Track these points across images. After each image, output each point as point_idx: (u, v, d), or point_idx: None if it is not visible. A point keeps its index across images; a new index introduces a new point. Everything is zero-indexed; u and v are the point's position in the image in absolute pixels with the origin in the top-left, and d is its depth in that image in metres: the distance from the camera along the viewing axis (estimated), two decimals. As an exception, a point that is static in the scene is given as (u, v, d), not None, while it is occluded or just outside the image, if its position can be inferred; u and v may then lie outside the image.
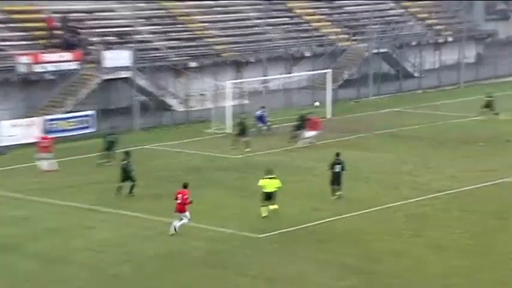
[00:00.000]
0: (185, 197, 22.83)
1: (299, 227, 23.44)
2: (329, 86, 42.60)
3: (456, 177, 28.93)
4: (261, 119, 37.43)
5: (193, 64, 47.03)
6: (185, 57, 47.25)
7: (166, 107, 42.49)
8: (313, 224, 23.67)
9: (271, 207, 24.31)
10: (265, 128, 37.42)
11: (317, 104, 37.93)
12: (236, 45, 49.91)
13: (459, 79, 51.90)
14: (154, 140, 36.54)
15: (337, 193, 26.20)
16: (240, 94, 43.75)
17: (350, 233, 22.89)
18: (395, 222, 23.79)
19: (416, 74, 53.94)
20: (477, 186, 27.63)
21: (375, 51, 51.43)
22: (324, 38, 53.81)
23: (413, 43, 56.45)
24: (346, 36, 54.37)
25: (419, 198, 26.07)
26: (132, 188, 26.82)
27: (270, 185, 24.43)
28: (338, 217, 24.26)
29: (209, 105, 42.34)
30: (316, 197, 26.43)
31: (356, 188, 27.46)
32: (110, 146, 31.40)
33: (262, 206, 24.20)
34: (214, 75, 44.48)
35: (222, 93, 42.66)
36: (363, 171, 29.56)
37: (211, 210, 25.13)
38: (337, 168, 26.25)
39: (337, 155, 26.50)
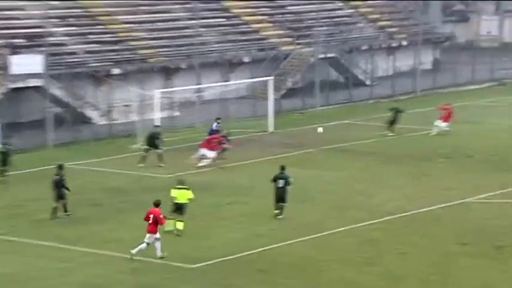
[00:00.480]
0: (160, 217, 23.15)
1: (238, 255, 23.50)
2: (271, 96, 42.93)
3: (413, 197, 29.43)
4: (216, 133, 37.36)
5: (116, 71, 46.79)
6: (107, 63, 46.96)
7: (85, 120, 42.12)
8: (254, 251, 23.75)
9: (177, 225, 25.10)
10: None
11: (320, 130, 37.73)
12: (165, 50, 49.87)
13: (415, 87, 52.95)
14: (72, 157, 36.11)
15: (277, 215, 26.46)
16: (169, 105, 43.68)
17: (296, 261, 23.05)
18: (346, 249, 24.05)
19: (367, 82, 54.82)
20: (436, 207, 28.16)
21: (322, 56, 52.11)
22: (264, 41, 54.24)
23: (364, 47, 57.40)
24: (290, 39, 54.93)
25: (372, 222, 26.42)
26: (64, 207, 26.88)
27: (181, 195, 25.35)
28: (282, 243, 24.40)
29: (134, 118, 42.13)
30: (257, 221, 26.55)
31: (302, 210, 27.67)
32: (3, 159, 31.26)
33: (169, 218, 24.72)
34: (140, 83, 44.31)
35: (149, 104, 42.48)
36: (309, 191, 29.82)
37: (137, 238, 24.95)
38: (280, 183, 26.52)
39: (282, 168, 26.92)
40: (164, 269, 22.53)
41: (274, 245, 24.25)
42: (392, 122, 40.35)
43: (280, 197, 26.61)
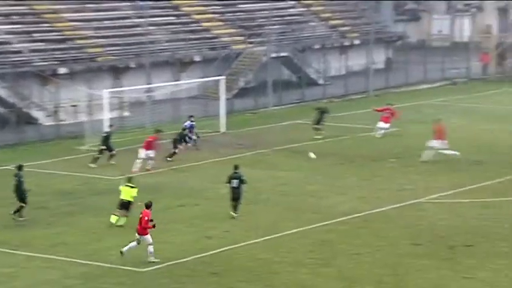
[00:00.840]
0: (145, 219, 22.99)
1: (191, 258, 23.40)
2: (222, 95, 42.87)
3: (366, 198, 29.62)
4: (191, 130, 37.25)
5: (63, 70, 46.29)
6: (53, 62, 46.42)
7: (31, 121, 41.55)
8: (207, 254, 23.67)
9: (120, 221, 25.91)
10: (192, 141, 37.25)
11: (312, 156, 38.06)
12: (114, 48, 49.46)
13: (368, 87, 53.36)
14: (17, 159, 35.48)
15: (232, 213, 26.65)
16: (119, 105, 43.33)
17: (249, 264, 23.02)
18: (300, 250, 24.10)
19: (320, 81, 55.06)
20: (389, 208, 28.38)
21: (274, 55, 52.18)
22: (216, 40, 54.15)
23: (317, 46, 57.66)
24: (241, 38, 54.92)
25: (326, 223, 26.53)
26: (18, 209, 26.66)
27: (127, 193, 26.22)
28: (235, 246, 24.36)
29: (83, 118, 41.71)
30: (210, 223, 26.46)
31: (255, 211, 27.66)
32: None
33: (113, 214, 25.81)
34: (88, 83, 43.88)
35: (98, 104, 42.08)
36: (262, 192, 29.84)
37: (85, 242, 24.69)
38: (235, 183, 26.76)
39: (235, 168, 27.18)
40: (114, 273, 22.31)
41: (227, 247, 24.19)
42: (317, 123, 39.89)
43: (236, 197, 26.83)
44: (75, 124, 41.75)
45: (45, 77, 44.40)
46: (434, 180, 31.77)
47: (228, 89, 49.14)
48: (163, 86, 45.27)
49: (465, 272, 22.37)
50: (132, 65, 49.14)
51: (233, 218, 26.70)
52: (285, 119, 45.38)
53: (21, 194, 26.77)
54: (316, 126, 39.82)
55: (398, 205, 28.58)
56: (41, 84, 44.62)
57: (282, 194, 30.01)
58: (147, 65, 44.37)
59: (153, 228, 23.18)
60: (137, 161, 32.87)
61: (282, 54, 53.38)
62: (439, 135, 34.88)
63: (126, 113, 43.79)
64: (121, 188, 26.67)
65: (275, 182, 31.40)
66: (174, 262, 23.05)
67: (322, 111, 40.36)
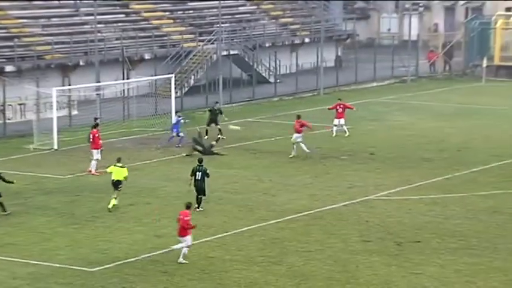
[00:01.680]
0: (185, 219, 22.67)
1: (141, 257, 23.27)
2: (173, 93, 42.71)
3: (316, 195, 29.77)
4: (176, 126, 37.48)
5: (9, 68, 45.65)
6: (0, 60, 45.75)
7: (-22, 120, 40.90)
8: (157, 253, 23.54)
9: (113, 201, 27.17)
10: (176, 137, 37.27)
11: (235, 127, 37.92)
12: (62, 46, 48.92)
13: (318, 85, 53.62)
14: (-37, 159, 35.12)
15: (197, 208, 27.01)
16: (68, 103, 42.88)
17: (200, 262, 22.96)
18: (251, 248, 24.11)
19: (271, 80, 55.14)
20: (340, 205, 28.56)
21: (225, 53, 52.13)
22: (166, 38, 53.91)
23: (267, 44, 57.77)
24: (192, 36, 54.77)
25: (277, 221, 26.59)
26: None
27: (117, 173, 27.59)
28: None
29: (31, 117, 41.17)
30: (160, 222, 26.33)
31: (207, 210, 27.62)
32: None
33: (113, 197, 27.38)
34: (36, 81, 43.31)
35: (46, 103, 41.60)
36: (213, 190, 29.77)
37: (33, 242, 24.39)
38: (198, 175, 27.23)
39: (199, 161, 27.78)
40: (62, 273, 22.06)
41: (178, 246, 24.06)
42: (215, 123, 39.49)
43: (200, 189, 27.34)
44: (23, 123, 41.22)
45: (-9, 75, 43.76)
46: (384, 177, 32.05)
47: (179, 86, 48.98)
48: (113, 84, 44.92)
49: (414, 268, 22.60)
50: (81, 63, 48.65)
51: (198, 211, 26.95)
52: (236, 117, 45.31)
53: None
54: (217, 126, 39.29)
55: (348, 202, 28.77)
56: (-13, 83, 43.92)
57: (234, 192, 30.01)
58: (96, 63, 43.95)
59: (194, 229, 22.82)
60: (93, 162, 32.47)
61: (233, 52, 53.36)
62: (299, 129, 35.77)
63: (74, 112, 43.32)
64: (110, 169, 27.81)
65: (226, 180, 31.38)
66: (123, 261, 22.89)
67: (216, 112, 39.85)
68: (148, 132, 40.77)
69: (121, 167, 27.78)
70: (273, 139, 39.62)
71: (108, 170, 28.10)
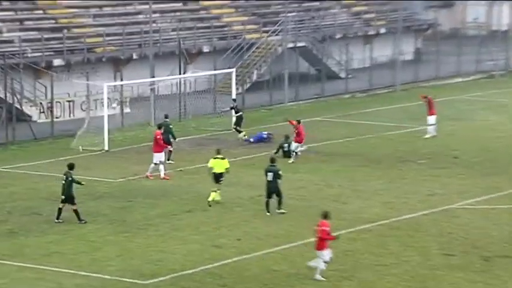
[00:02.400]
0: (322, 228, 22.46)
1: (198, 269, 23.38)
2: (233, 90, 42.90)
3: (391, 203, 29.56)
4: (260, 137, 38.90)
5: (57, 62, 46.42)
6: (47, 53, 46.54)
7: (23, 118, 41.67)
8: (215, 265, 23.66)
9: (215, 196, 28.62)
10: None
11: (242, 136, 38.68)
12: (114, 38, 49.56)
13: (395, 80, 53.25)
14: (7, 160, 35.80)
15: (278, 210, 27.80)
16: (120, 100, 43.44)
17: (263, 276, 22.96)
18: (318, 261, 24.06)
19: (342, 75, 55.00)
20: (418, 214, 28.30)
21: (291, 45, 52.16)
22: (226, 29, 54.16)
23: (338, 35, 57.63)
24: (255, 26, 54.92)
25: (348, 231, 26.48)
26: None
27: (218, 165, 28.85)
28: (247, 256, 24.34)
29: (80, 115, 41.82)
30: (219, 231, 26.47)
31: (270, 218, 27.66)
32: None
33: (212, 190, 28.55)
34: (85, 76, 43.98)
35: (97, 100, 42.22)
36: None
37: (82, 251, 24.75)
38: (270, 176, 27.72)
39: (272, 161, 28.35)
40: (112, 285, 22.33)
41: (239, 258, 24.17)
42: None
43: (272, 191, 27.85)
44: (72, 121, 41.87)
45: (38, 69, 44.53)
46: (468, 184, 31.66)
47: (240, 82, 49.18)
48: (169, 79, 45.34)
49: (502, 286, 22.26)
50: (135, 56, 49.22)
51: (281, 213, 27.68)
52: (303, 115, 45.26)
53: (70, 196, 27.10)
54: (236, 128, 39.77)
55: (428, 211, 28.51)
56: (34, 78, 44.74)
57: (300, 198, 30.00)
58: (150, 56, 44.44)
59: (335, 240, 22.73)
60: (152, 165, 32.78)
61: (300, 44, 53.34)
62: (300, 137, 35.62)
63: (127, 110, 43.86)
64: (211, 162, 29.15)
65: (292, 186, 31.38)
66: (179, 274, 23.04)
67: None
68: (207, 132, 41.01)
69: (221, 158, 29.13)
70: (342, 140, 39.46)
71: (209, 163, 29.29)
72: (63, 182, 27.51)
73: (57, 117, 42.34)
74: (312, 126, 42.77)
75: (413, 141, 39.20)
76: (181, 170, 33.80)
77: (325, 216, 22.83)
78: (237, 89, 46.00)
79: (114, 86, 43.55)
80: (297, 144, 35.56)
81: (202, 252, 24.64)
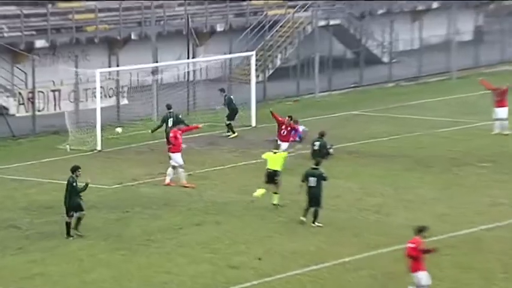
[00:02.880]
0: (413, 247, 22.36)
1: (209, 295, 23.48)
2: (253, 78, 42.93)
3: (446, 215, 29.50)
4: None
5: (40, 43, 46.56)
6: (27, 32, 46.71)
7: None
8: (231, 290, 23.74)
9: (275, 198, 29.46)
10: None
11: (118, 130, 39.08)
12: (108, 15, 49.71)
13: (450, 66, 53.14)
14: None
15: (314, 223, 28.06)
16: (115, 90, 43.56)
17: (288, 303, 23.03)
18: (357, 285, 24.01)
19: (385, 59, 55.01)
20: (478, 229, 28.20)
21: (323, 23, 52.17)
22: (244, 4, 54.23)
23: (381, 11, 57.60)
24: (279, 1, 54.95)
25: (392, 249, 26.44)
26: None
27: (273, 161, 29.67)
28: (268, 279, 24.35)
29: (67, 108, 41.97)
30: (235, 248, 26.51)
31: (297, 232, 27.67)
32: None
33: (260, 188, 29.22)
34: (74, 60, 44.12)
35: (88, 89, 42.37)
36: (304, 203, 29.88)
37: (69, 272, 24.85)
38: (312, 181, 28.03)
39: (317, 163, 28.58)
40: (107, 314, 22.40)
41: (259, 281, 24.15)
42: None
43: (314, 199, 28.10)
44: (57, 115, 42.01)
45: (17, 52, 44.71)
46: (539, 192, 31.59)
47: (261, 68, 49.22)
48: (175, 64, 45.44)
49: None
50: (134, 36, 49.36)
51: (315, 226, 27.88)
52: (337, 108, 45.30)
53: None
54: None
55: (490, 225, 28.41)
56: (12, 62, 44.93)
57: (334, 209, 30.00)
58: (153, 37, 44.57)
59: (431, 253, 22.67)
60: (169, 170, 32.78)
61: (334, 22, 53.32)
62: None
63: (124, 101, 43.99)
64: (266, 155, 29.97)
65: (324, 193, 31.29)
66: (187, 300, 23.12)
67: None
68: (220, 129, 41.01)
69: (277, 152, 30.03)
70: (386, 139, 39.41)
71: (264, 155, 30.27)
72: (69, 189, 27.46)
73: (39, 111, 42.54)
74: (347, 121, 42.74)
75: (472, 139, 39.08)
76: (189, 174, 33.79)
77: (420, 231, 22.75)
78: (257, 76, 46.07)
79: (109, 72, 43.69)
80: (286, 143, 35.05)
81: (215, 274, 24.67)
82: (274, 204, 29.66)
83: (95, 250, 26.51)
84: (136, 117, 42.43)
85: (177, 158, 32.48)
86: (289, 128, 35.48)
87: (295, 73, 49.54)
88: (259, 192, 29.52)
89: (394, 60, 54.20)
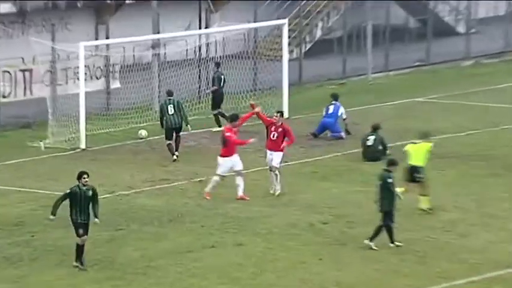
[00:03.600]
0: None
1: None
2: (285, 54, 42.93)
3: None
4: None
5: (6, 7, 46.54)
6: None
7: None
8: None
9: (424, 202, 30.63)
10: None
11: (142, 133, 39.40)
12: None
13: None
14: None
15: (394, 244, 28.28)
16: (104, 69, 43.59)
17: None
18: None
19: (460, 29, 54.91)
20: None
21: (377, -17, 52.20)
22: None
23: (454, -34, 57.49)
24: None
25: (469, 280, 26.46)
26: None
27: (416, 154, 31.00)
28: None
29: (41, 93, 42.03)
30: (260, 279, 26.55)
31: (344, 257, 27.69)
32: None
33: (400, 189, 29.18)
34: (51, 31, 44.21)
35: (68, 68, 42.39)
36: (356, 223, 29.93)
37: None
38: (389, 185, 28.50)
39: (390, 163, 28.89)
40: None
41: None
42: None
43: (389, 211, 28.50)
44: (29, 102, 42.06)
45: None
46: None
47: (295, 42, 49.16)
48: (182, 36, 45.45)
49: None
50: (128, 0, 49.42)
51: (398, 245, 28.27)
52: (396, 93, 45.26)
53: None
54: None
55: None
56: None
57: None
58: (153, 1, 44.62)
59: None
60: (214, 178, 32.83)
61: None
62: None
63: (116, 84, 44.02)
64: (408, 147, 31.41)
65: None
66: None
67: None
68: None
69: (426, 141, 31.22)
70: (462, 134, 39.52)
71: (406, 147, 31.57)
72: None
73: (4, 97, 42.56)
74: (410, 111, 42.66)
75: None
76: (200, 181, 33.84)
77: None
78: (291, 52, 46.05)
79: (96, 46, 43.71)
80: (279, 154, 33.25)
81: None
82: (422, 210, 30.54)
83: (77, 280, 26.60)
84: (132, 105, 42.47)
85: (224, 164, 32.37)
86: (280, 130, 33.17)
87: (340, 48, 49.50)
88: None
89: (472, 31, 54.09)
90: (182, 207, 31.76)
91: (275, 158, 32.88)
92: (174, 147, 36.32)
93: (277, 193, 32.70)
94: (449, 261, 27.65)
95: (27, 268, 27.20)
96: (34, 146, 38.21)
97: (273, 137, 33.03)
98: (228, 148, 32.48)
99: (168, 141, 36.55)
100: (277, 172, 32.75)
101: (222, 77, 41.08)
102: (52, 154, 37.36)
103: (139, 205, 32.06)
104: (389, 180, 28.39)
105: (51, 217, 27.18)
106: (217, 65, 41.70)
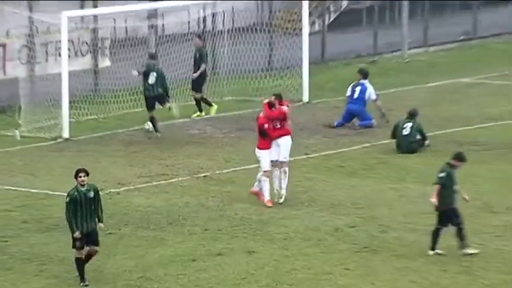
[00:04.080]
0: None
1: None
2: (305, 26, 43.00)
3: None
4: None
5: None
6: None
7: None
8: None
9: None
10: None
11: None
12: None
13: None
14: None
15: (463, 250, 28.40)
16: (91, 45, 43.66)
17: None
18: None
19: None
20: None
21: None
22: None
23: None
24: None
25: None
26: None
27: None
28: None
29: (16, 72, 42.16)
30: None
31: (375, 267, 27.75)
32: None
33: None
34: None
35: (48, 43, 42.49)
36: (390, 227, 30.08)
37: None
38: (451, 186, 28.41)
39: (457, 157, 28.65)
40: None
41: None
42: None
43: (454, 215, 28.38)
44: (2, 84, 42.23)
45: None
46: None
47: (317, 13, 49.23)
48: (182, 6, 45.50)
49: None
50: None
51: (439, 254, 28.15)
52: (435, 75, 45.30)
53: None
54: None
55: None
56: None
57: (416, 223, 30.06)
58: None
59: None
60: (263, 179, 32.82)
61: None
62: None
63: (105, 62, 44.13)
64: None
65: (416, 208, 31.41)
66: None
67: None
68: (253, 106, 41.04)
69: None
70: (508, 122, 39.83)
71: None
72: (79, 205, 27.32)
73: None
74: (455, 93, 42.69)
75: None
76: (205, 176, 33.93)
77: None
78: (312, 24, 46.10)
79: (82, 18, 43.77)
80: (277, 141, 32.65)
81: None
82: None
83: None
84: (124, 86, 42.55)
85: (264, 158, 32.16)
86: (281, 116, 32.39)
87: (370, 19, 49.55)
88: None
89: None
90: (183, 207, 31.83)
91: (283, 148, 32.20)
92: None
93: (281, 200, 32.51)
94: (498, 271, 27.66)
95: (1, 279, 27.29)
96: (8, 134, 38.32)
97: (276, 125, 32.18)
98: (266, 140, 32.05)
99: (151, 114, 36.84)
100: (286, 169, 32.42)
101: (206, 51, 41.29)
102: (29, 145, 37.48)
103: (132, 205, 32.14)
104: (453, 177, 28.30)
105: (77, 234, 26.89)
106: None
